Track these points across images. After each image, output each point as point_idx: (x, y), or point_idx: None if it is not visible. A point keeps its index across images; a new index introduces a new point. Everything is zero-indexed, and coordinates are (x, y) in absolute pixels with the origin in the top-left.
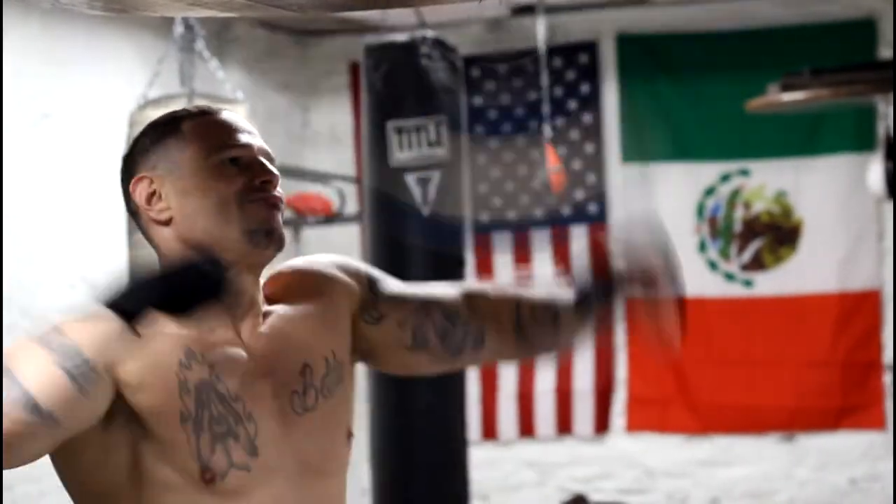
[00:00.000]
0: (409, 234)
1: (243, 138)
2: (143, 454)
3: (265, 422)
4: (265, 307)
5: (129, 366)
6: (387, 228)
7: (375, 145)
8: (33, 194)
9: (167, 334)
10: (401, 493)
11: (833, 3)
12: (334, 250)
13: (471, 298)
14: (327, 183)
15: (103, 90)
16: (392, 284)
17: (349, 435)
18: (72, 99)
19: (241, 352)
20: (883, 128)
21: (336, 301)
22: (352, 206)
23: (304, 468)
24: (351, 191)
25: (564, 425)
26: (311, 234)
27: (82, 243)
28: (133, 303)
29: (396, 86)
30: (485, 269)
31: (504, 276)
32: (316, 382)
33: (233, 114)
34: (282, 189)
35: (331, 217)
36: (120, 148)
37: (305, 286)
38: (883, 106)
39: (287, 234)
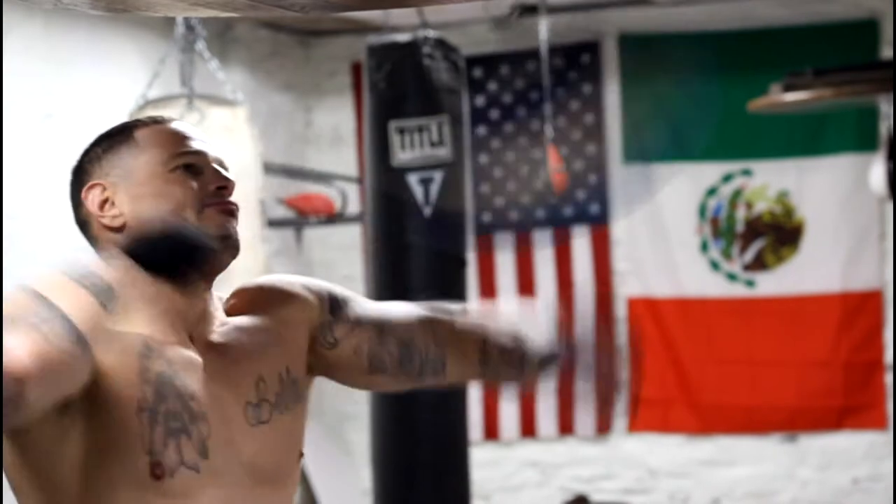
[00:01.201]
0: (411, 235)
1: (197, 145)
2: (95, 447)
3: (217, 426)
4: (222, 318)
5: (97, 346)
6: (389, 228)
7: (378, 145)
8: (35, 194)
9: (124, 325)
10: (402, 494)
11: (835, 4)
12: (336, 250)
13: (434, 325)
14: (329, 183)
15: (105, 90)
16: (354, 307)
17: (300, 454)
18: (74, 98)
19: (192, 353)
20: (885, 128)
21: (293, 317)
22: (354, 207)
23: (253, 478)
24: (353, 191)
25: (566, 425)
26: (313, 234)
27: (83, 243)
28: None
29: (399, 86)
30: (487, 269)
31: (505, 278)
32: (270, 397)
33: (185, 123)
34: (277, 193)
35: (333, 217)
36: None
37: (264, 301)
38: (885, 106)
39: (290, 234)
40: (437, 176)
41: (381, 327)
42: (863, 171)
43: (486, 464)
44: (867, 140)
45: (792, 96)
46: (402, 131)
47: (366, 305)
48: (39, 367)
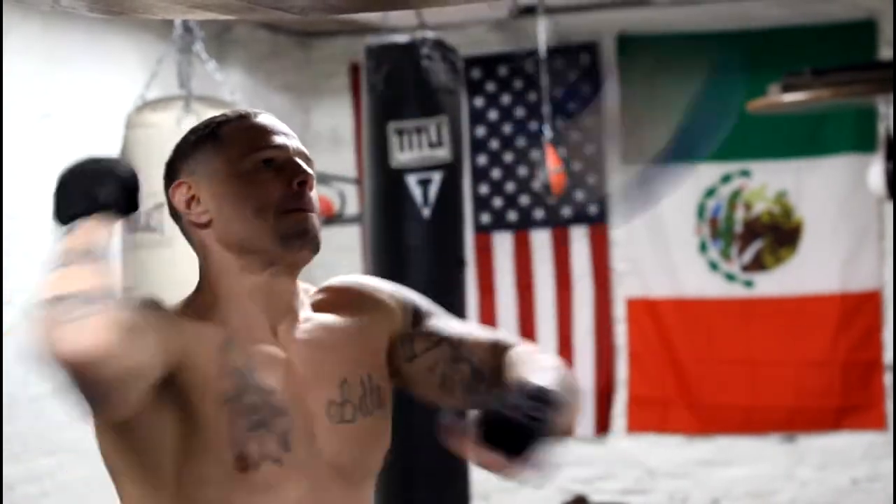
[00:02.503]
0: (409, 236)
1: (278, 140)
2: (185, 439)
3: (298, 420)
4: (306, 313)
5: (173, 341)
6: (388, 230)
7: (376, 146)
8: (34, 194)
9: (204, 321)
10: (402, 494)
11: (834, 4)
12: (335, 251)
13: (500, 358)
14: (328, 184)
15: (103, 90)
16: (434, 322)
17: (385, 452)
18: (72, 99)
19: (274, 349)
20: (883, 128)
21: (377, 324)
22: (353, 208)
23: (333, 474)
24: (352, 192)
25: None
26: None
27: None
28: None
29: (397, 87)
30: (485, 269)
31: (503, 279)
32: (354, 399)
33: (269, 116)
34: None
35: (332, 218)
36: (117, 149)
37: (352, 302)
38: (883, 106)
39: None
40: (436, 177)
41: (457, 349)
42: (861, 172)
43: None
44: (866, 140)
45: (790, 97)
46: (400, 132)
47: (446, 323)
48: (108, 339)
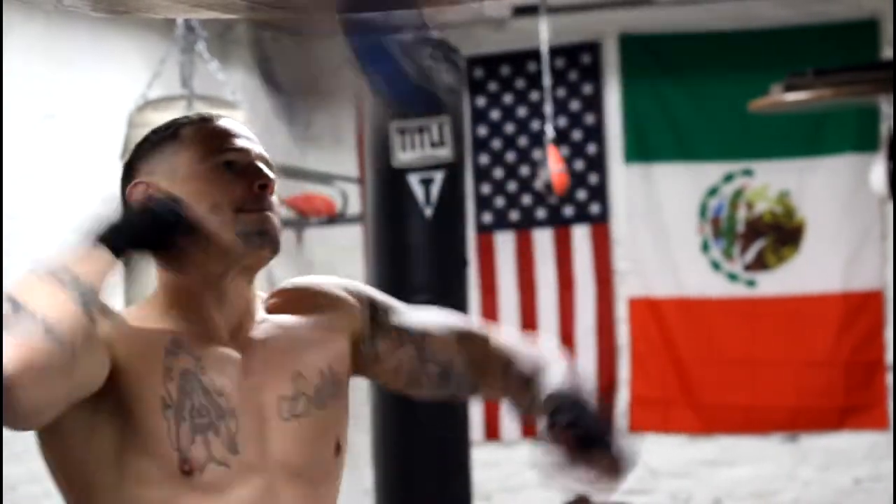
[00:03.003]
0: (411, 235)
1: (240, 143)
2: (125, 444)
3: (248, 420)
4: (262, 315)
5: (117, 347)
6: (390, 229)
7: (378, 146)
8: (36, 194)
9: (156, 324)
10: (403, 494)
11: (836, 4)
12: (337, 251)
13: (470, 345)
14: (330, 184)
15: (106, 91)
16: (394, 318)
17: (338, 447)
18: (75, 99)
19: (228, 350)
20: (885, 128)
21: (337, 319)
22: (355, 207)
23: (286, 472)
24: (354, 191)
25: None
26: (313, 234)
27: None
28: (119, 238)
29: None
30: (487, 269)
31: (505, 278)
32: (309, 391)
33: (231, 120)
34: (279, 192)
35: (334, 218)
36: (120, 148)
37: (306, 301)
38: (886, 106)
39: (290, 234)
40: (438, 176)
41: (421, 347)
42: (863, 172)
43: (487, 464)
44: (868, 140)
45: (793, 96)
46: (402, 132)
47: (406, 317)
48: (26, 371)
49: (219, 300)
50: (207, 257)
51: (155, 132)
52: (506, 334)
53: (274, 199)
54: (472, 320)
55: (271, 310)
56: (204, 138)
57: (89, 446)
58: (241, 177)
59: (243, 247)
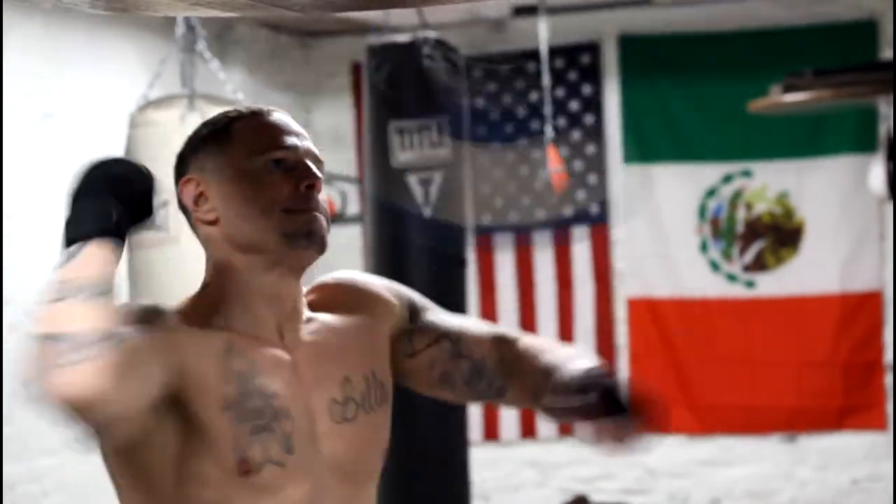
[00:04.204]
0: (410, 235)
1: (289, 140)
2: (185, 444)
3: (301, 422)
4: (308, 313)
5: (172, 360)
6: (388, 229)
7: (377, 146)
8: (35, 194)
9: (209, 329)
10: (402, 494)
11: (835, 4)
12: (336, 251)
13: (503, 349)
14: (329, 183)
15: (105, 90)
16: (431, 317)
17: (384, 452)
18: (73, 99)
19: (281, 352)
20: (884, 129)
21: (379, 320)
22: (354, 207)
23: (336, 474)
24: (353, 191)
25: (566, 426)
26: None
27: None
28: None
29: (398, 86)
30: (486, 269)
31: (504, 279)
32: (356, 397)
33: (282, 115)
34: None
35: (333, 218)
36: (120, 148)
37: (350, 299)
38: (885, 107)
39: None
40: (437, 176)
41: (457, 345)
42: (862, 172)
43: (485, 464)
44: (867, 141)
45: (792, 97)
46: (401, 132)
47: (443, 318)
48: (102, 388)
49: (267, 300)
50: (255, 257)
51: (206, 125)
52: (540, 338)
53: (322, 196)
54: (511, 329)
55: (313, 305)
56: (253, 134)
57: (152, 447)
58: (289, 176)
59: (289, 249)
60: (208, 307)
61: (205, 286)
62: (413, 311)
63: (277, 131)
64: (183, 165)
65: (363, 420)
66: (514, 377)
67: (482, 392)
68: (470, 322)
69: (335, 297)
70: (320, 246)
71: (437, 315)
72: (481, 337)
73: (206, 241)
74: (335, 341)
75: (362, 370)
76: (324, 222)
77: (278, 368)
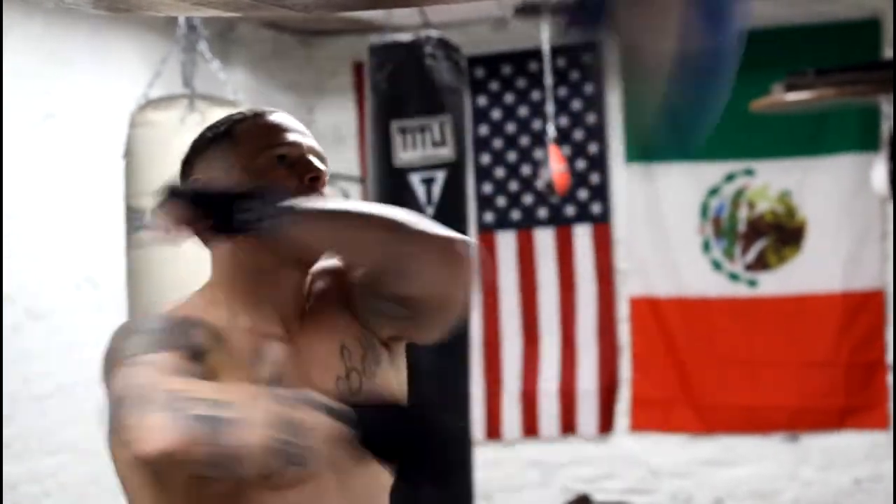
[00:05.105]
0: None
1: (291, 137)
2: None
3: None
4: (309, 303)
5: (212, 358)
6: None
7: (379, 145)
8: (36, 194)
9: (237, 330)
10: (403, 494)
11: (837, 3)
12: None
13: None
14: (331, 183)
15: (106, 90)
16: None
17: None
18: (75, 99)
19: (286, 344)
20: (886, 128)
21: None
22: None
23: (350, 458)
24: (355, 191)
25: (568, 425)
26: None
27: (85, 243)
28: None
29: (400, 86)
30: (489, 269)
31: (506, 278)
32: (356, 364)
33: (284, 114)
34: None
35: None
36: (122, 148)
37: (334, 278)
38: (886, 106)
39: None
40: (440, 176)
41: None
42: (864, 171)
43: (488, 464)
44: (869, 140)
45: (794, 96)
46: (403, 131)
47: None
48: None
49: (274, 294)
50: (262, 252)
51: (210, 129)
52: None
53: (326, 191)
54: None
55: (313, 293)
56: (257, 134)
57: None
58: (293, 170)
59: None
60: (214, 303)
61: (210, 284)
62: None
63: (280, 129)
64: (188, 168)
65: (368, 388)
66: None
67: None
68: None
69: (331, 280)
70: None
71: None
72: None
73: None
74: (328, 312)
75: (355, 334)
76: None
77: (290, 362)
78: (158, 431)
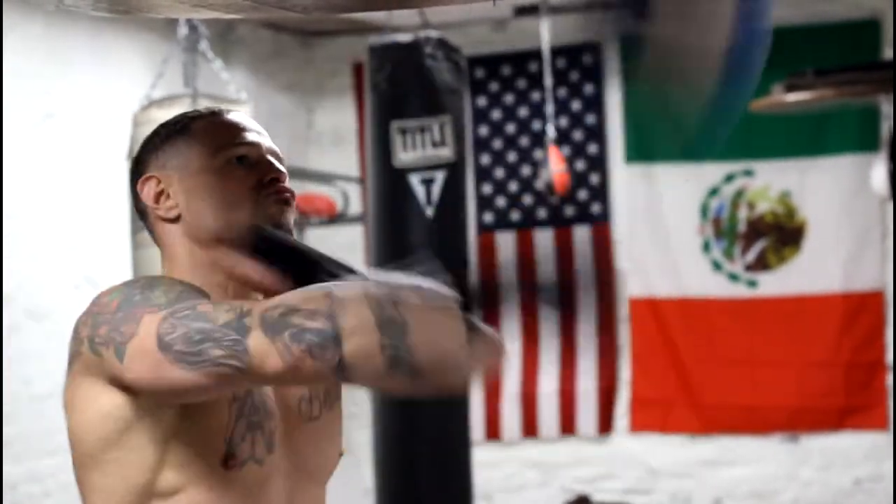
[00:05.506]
0: (412, 235)
1: (251, 137)
2: (177, 428)
3: (280, 422)
4: None
5: None
6: (391, 229)
7: (379, 146)
8: (37, 194)
9: None
10: (403, 494)
11: (837, 4)
12: (338, 251)
13: None
14: (331, 183)
15: (107, 90)
16: None
17: (340, 453)
18: (75, 99)
19: None
20: (886, 128)
21: None
22: (356, 207)
23: (299, 474)
24: (355, 191)
25: (568, 426)
26: (314, 234)
27: (86, 243)
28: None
29: (400, 86)
30: (488, 269)
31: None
32: (320, 393)
33: (241, 114)
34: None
35: (335, 218)
36: (123, 148)
37: None
38: (886, 106)
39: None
40: (439, 176)
41: None
42: (864, 172)
43: (487, 464)
44: (869, 140)
45: (793, 96)
46: (403, 131)
47: None
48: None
49: (231, 294)
50: (219, 252)
51: (164, 126)
52: None
53: (289, 188)
54: None
55: None
56: (215, 132)
57: (154, 415)
58: (253, 171)
59: (265, 218)
60: None
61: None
62: None
63: (238, 129)
64: (141, 165)
65: (325, 418)
66: None
67: None
68: None
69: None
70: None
71: None
72: None
73: (165, 241)
74: None
75: None
76: (291, 216)
77: None
78: (284, 346)
